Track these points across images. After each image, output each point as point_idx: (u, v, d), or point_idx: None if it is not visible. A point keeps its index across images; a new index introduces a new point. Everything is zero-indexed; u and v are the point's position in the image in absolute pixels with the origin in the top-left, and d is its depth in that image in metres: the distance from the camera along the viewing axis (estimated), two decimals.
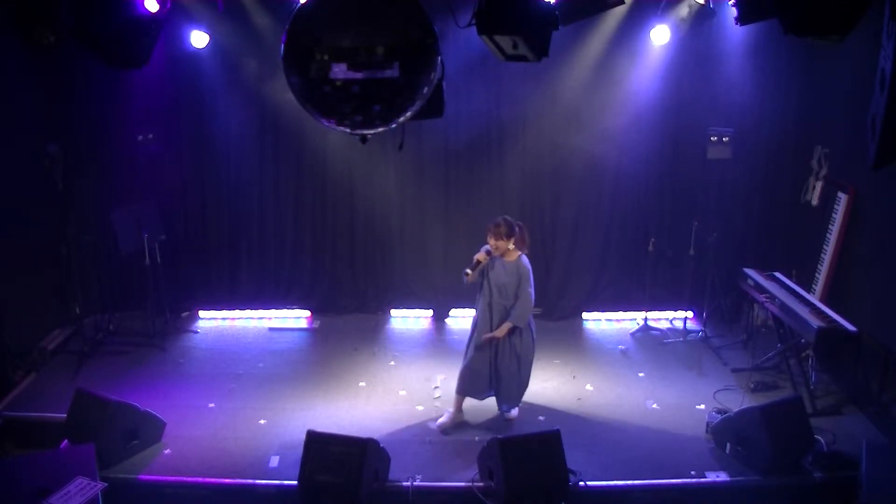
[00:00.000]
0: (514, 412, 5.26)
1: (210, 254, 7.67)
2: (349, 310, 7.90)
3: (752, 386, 6.18)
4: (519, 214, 7.04)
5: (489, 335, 4.79)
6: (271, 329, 7.60)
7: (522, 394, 5.17)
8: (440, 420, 5.21)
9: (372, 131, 2.87)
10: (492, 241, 4.74)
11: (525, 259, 4.82)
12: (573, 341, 7.23)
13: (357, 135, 2.93)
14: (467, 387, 4.99)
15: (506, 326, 4.79)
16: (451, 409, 5.16)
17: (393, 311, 7.81)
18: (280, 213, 7.61)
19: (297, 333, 7.50)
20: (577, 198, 7.45)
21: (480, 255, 4.68)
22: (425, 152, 7.34)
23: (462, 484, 4.71)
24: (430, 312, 7.77)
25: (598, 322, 7.73)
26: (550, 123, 7.28)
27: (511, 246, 4.79)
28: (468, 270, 4.62)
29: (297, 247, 7.72)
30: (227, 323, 7.75)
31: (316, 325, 7.75)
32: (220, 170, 7.43)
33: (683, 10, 6.76)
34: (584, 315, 7.77)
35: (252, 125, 7.31)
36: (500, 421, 5.39)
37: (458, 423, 5.15)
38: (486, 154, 7.37)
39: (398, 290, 7.79)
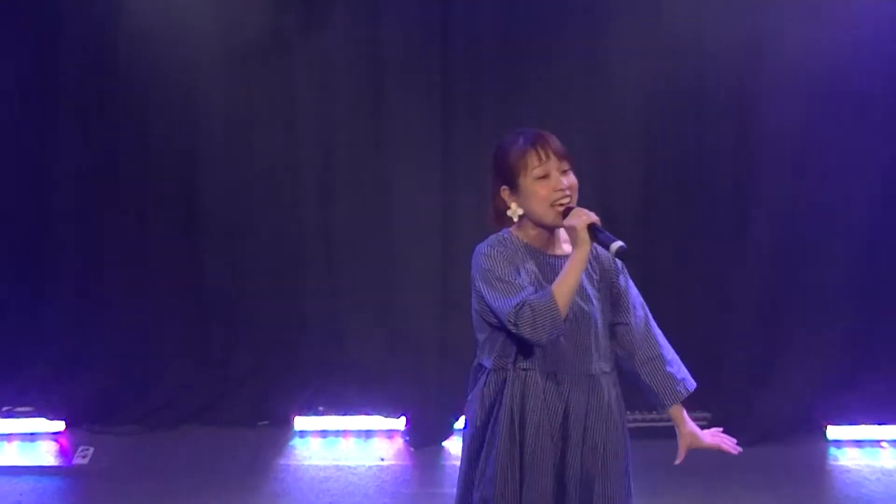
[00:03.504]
0: None
1: None
2: (182, 417, 6.80)
3: None
4: (636, 222, 6.72)
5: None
6: None
7: None
8: None
9: None
10: (554, 182, 3.54)
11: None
12: (801, 496, 6.13)
13: None
14: None
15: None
16: None
17: (302, 422, 6.76)
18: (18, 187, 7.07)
19: (33, 482, 6.19)
20: (780, 178, 6.74)
21: (589, 214, 3.50)
22: (390, 58, 6.71)
23: None
24: (397, 424, 6.74)
25: (869, 451, 6.62)
26: None
27: None
28: (621, 243, 3.40)
29: (48, 263, 7.00)
30: None
31: (83, 456, 6.46)
32: None
33: None
34: (830, 432, 6.71)
35: None
36: None
37: None
38: (543, 61, 6.71)
39: (318, 368, 6.93)
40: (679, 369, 3.79)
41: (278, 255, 6.94)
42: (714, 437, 3.87)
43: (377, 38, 6.62)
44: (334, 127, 6.81)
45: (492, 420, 3.69)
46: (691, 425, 3.82)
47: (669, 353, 3.77)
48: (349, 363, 6.85)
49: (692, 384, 3.78)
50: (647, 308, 3.76)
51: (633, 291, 3.75)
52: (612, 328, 3.76)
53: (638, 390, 3.80)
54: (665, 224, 6.90)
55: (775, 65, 6.61)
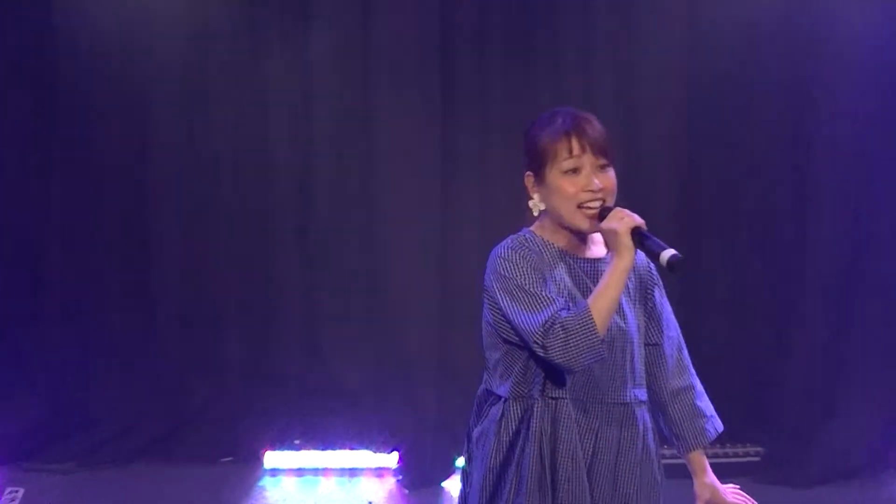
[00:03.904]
0: None
1: None
2: (130, 452, 6.37)
3: None
4: (676, 233, 6.44)
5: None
6: None
7: None
8: None
9: None
10: (585, 180, 3.34)
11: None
12: None
13: None
14: None
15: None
16: None
17: (273, 458, 6.44)
18: None
19: None
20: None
21: (633, 216, 3.32)
22: None
23: None
24: (388, 461, 6.39)
25: None
26: None
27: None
28: (674, 251, 3.17)
29: None
30: None
31: (11, 499, 6.23)
32: None
33: None
34: None
35: None
36: None
37: None
38: None
39: (293, 394, 6.57)
40: (708, 404, 3.53)
41: (246, 263, 6.64)
42: (735, 497, 3.55)
43: (366, 30, 6.40)
44: (314, 125, 6.53)
45: (514, 459, 3.36)
46: (712, 477, 3.56)
47: (699, 384, 3.50)
48: (330, 388, 6.56)
49: (720, 424, 3.48)
50: (679, 329, 3.52)
51: (668, 308, 3.49)
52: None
53: (657, 424, 3.58)
54: (710, 234, 6.67)
55: (835, 52, 6.34)
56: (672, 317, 3.49)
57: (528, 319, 3.20)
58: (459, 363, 6.23)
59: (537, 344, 3.13)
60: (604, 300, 3.16)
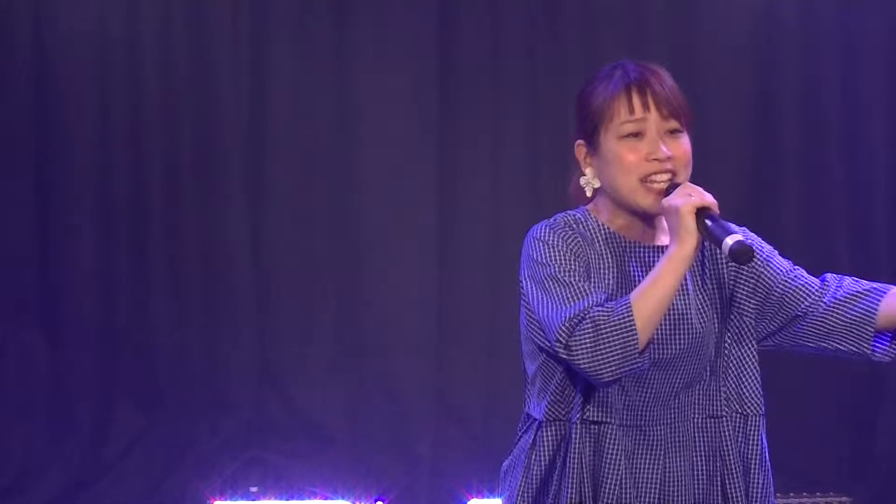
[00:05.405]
0: None
1: None
2: None
3: None
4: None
5: None
6: None
7: None
8: None
9: None
10: (649, 146, 3.13)
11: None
12: None
13: None
14: None
15: None
16: None
17: None
18: None
19: None
20: None
21: (703, 194, 3.12)
22: None
23: None
24: None
25: None
26: None
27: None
28: (740, 237, 2.99)
29: None
30: None
31: None
32: None
33: None
34: None
35: None
36: None
37: None
38: None
39: (249, 428, 6.13)
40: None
41: (182, 262, 6.14)
42: None
43: None
44: (271, 89, 5.93)
45: (549, 498, 3.13)
46: None
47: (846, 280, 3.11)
48: (297, 421, 6.12)
49: None
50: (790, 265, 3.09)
51: (773, 260, 3.05)
52: (781, 331, 2.98)
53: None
54: (787, 231, 6.18)
55: None
56: (779, 261, 3.00)
57: (556, 313, 2.96)
58: (462, 389, 6.00)
59: (560, 342, 2.91)
60: (651, 297, 2.91)
